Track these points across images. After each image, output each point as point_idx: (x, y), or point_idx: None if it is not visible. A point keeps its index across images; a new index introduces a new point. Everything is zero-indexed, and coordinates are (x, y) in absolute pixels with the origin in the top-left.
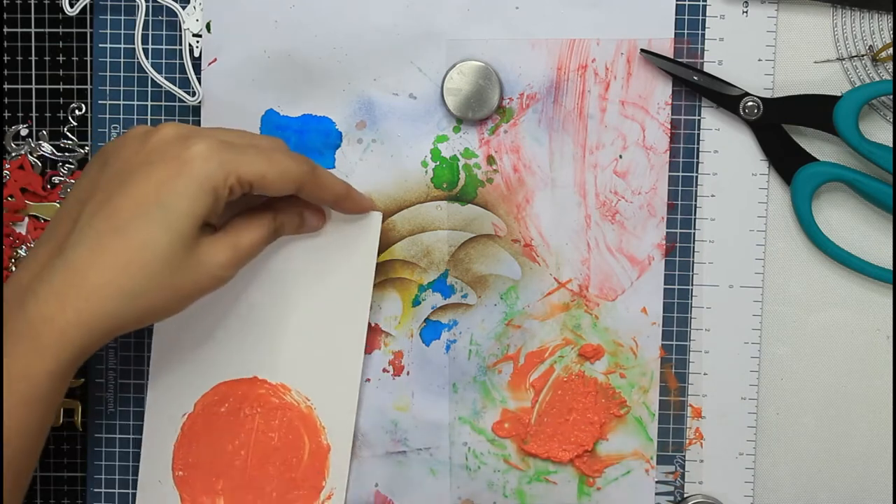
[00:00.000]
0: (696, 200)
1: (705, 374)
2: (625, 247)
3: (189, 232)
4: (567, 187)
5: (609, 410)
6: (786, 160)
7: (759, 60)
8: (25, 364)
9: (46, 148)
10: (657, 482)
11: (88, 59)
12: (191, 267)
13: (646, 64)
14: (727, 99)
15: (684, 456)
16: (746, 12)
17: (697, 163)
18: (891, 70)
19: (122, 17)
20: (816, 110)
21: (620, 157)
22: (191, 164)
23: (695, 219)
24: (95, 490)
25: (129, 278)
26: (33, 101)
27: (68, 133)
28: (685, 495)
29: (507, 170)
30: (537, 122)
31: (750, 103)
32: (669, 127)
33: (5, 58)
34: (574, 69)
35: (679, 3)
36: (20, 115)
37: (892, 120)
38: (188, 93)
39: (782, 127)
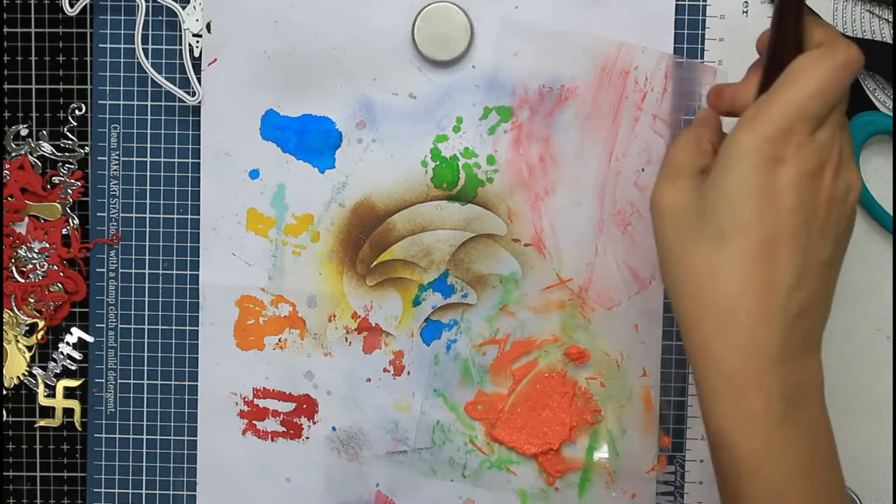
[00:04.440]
0: None
1: None
2: (630, 260)
3: None
4: (587, 187)
5: (582, 415)
6: None
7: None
8: None
9: (46, 148)
10: (658, 482)
11: (88, 59)
12: None
13: (679, 82)
14: None
15: (684, 456)
16: (746, 12)
17: None
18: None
19: (122, 17)
20: None
21: (643, 170)
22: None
23: None
24: (95, 490)
25: None
26: (33, 101)
27: (68, 133)
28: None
29: (533, 157)
30: (573, 117)
31: None
32: None
33: (5, 58)
34: (618, 72)
35: (679, 3)
36: (20, 115)
37: (891, 115)
38: (188, 93)
39: None
